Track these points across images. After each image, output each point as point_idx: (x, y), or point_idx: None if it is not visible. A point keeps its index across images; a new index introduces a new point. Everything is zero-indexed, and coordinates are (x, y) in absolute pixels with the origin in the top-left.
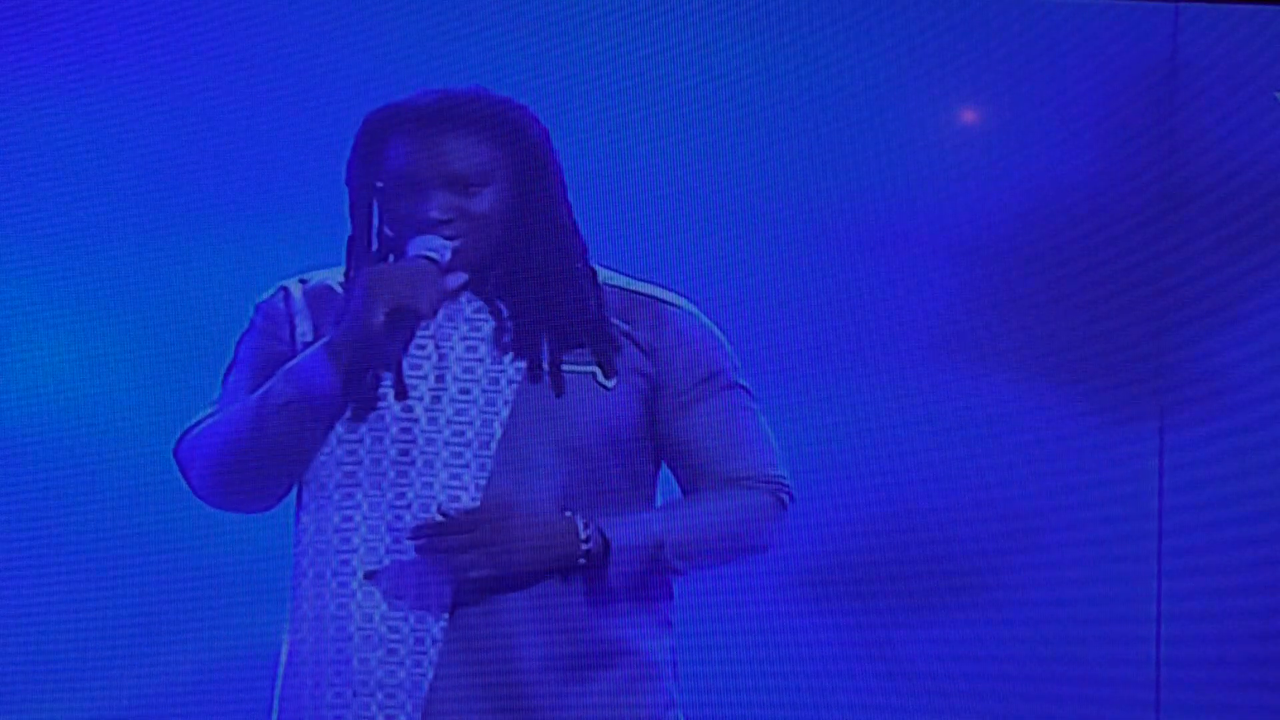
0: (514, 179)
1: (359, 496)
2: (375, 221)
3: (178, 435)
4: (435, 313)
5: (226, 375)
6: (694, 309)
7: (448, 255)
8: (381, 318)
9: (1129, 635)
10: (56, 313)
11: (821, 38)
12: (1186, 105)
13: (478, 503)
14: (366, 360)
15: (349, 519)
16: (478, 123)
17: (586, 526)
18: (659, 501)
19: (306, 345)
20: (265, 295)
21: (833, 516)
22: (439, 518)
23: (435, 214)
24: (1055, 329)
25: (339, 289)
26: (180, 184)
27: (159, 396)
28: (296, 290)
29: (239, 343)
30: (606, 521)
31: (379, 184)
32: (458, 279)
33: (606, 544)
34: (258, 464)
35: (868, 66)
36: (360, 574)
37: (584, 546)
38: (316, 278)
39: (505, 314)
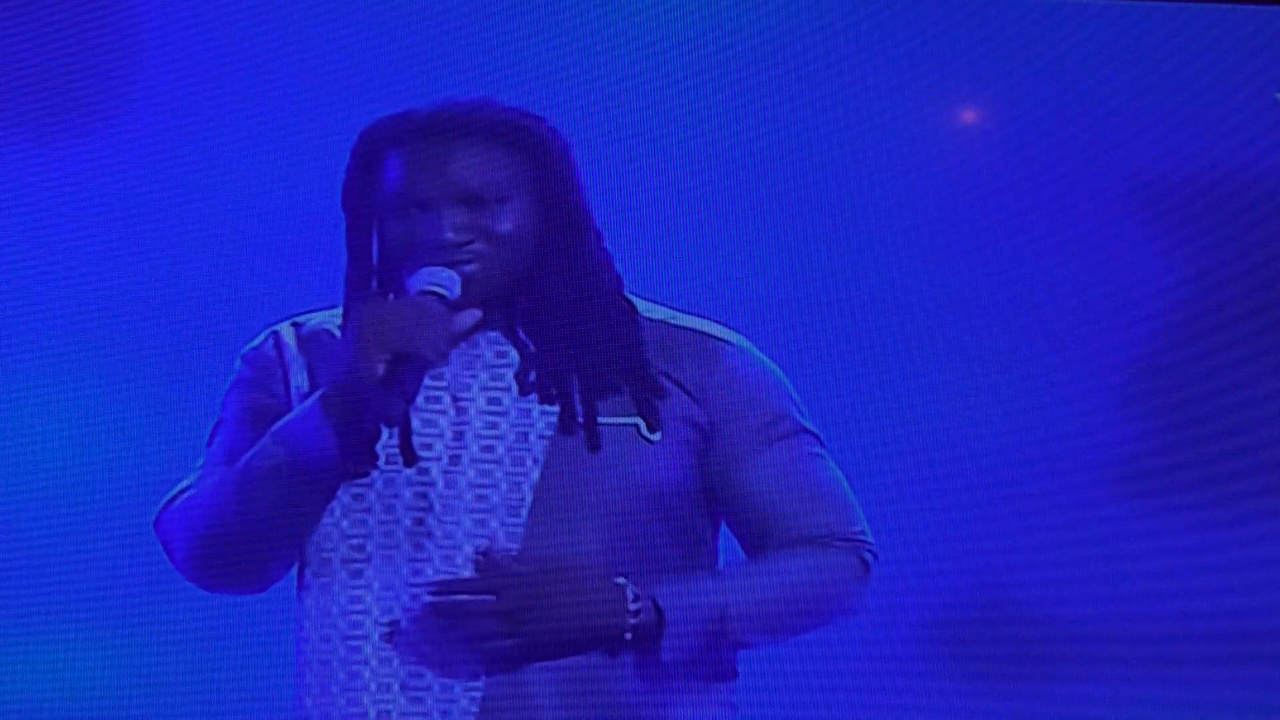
0: (538, 194)
1: (368, 574)
2: (375, 251)
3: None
4: (444, 358)
5: (211, 437)
6: (748, 344)
7: (457, 290)
8: (380, 368)
9: None
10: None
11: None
12: None
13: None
14: (367, 417)
15: (357, 600)
16: (490, 132)
17: (637, 597)
18: (720, 565)
19: (302, 395)
20: (253, 343)
21: (915, 583)
22: (464, 573)
23: (449, 235)
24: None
25: (337, 332)
26: (168, 204)
27: (166, 407)
28: (289, 335)
29: (225, 399)
30: (661, 589)
31: (379, 206)
32: (470, 317)
33: (660, 615)
34: (247, 540)
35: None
36: (373, 662)
37: (631, 620)
38: (313, 320)
39: (532, 357)
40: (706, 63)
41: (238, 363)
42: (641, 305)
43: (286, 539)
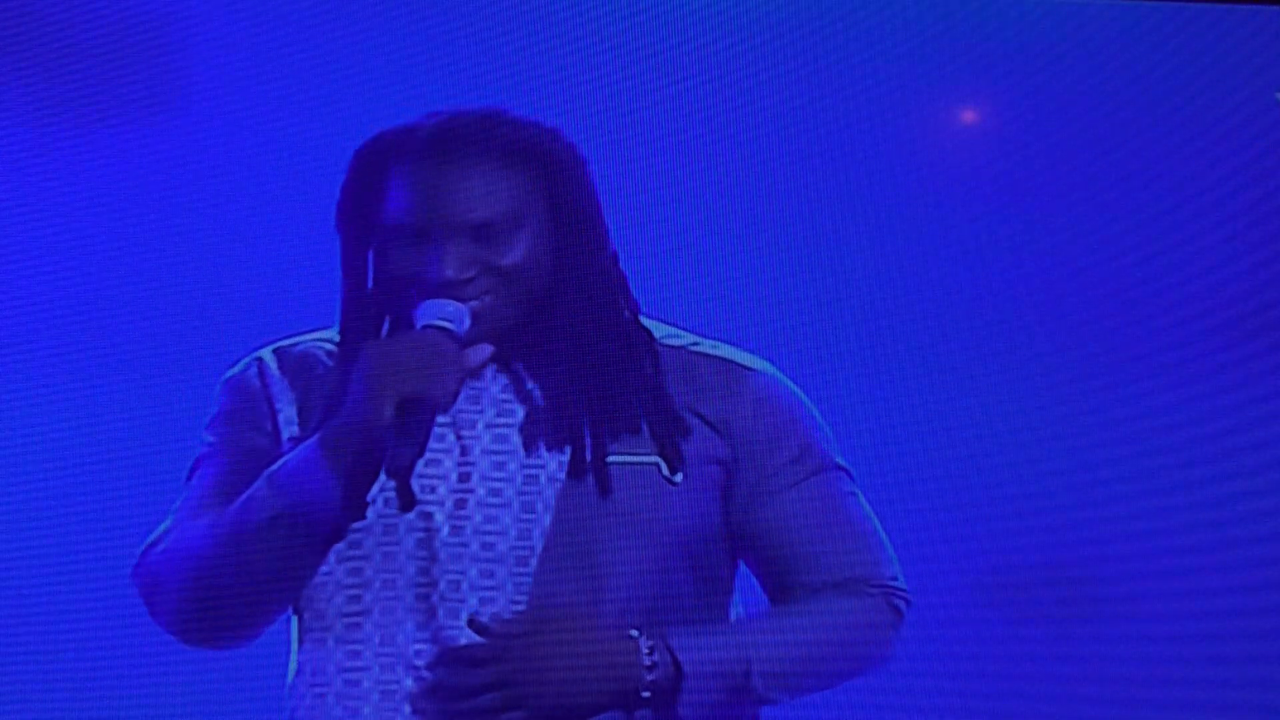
0: (551, 216)
1: (367, 628)
2: (371, 277)
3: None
4: (455, 400)
5: (191, 472)
6: (775, 371)
7: (466, 323)
8: (390, 411)
9: None
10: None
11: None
12: None
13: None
14: (373, 464)
15: (355, 655)
16: (500, 152)
17: (652, 649)
18: (734, 606)
19: (293, 437)
20: (234, 370)
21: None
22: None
23: (451, 273)
24: None
25: (327, 359)
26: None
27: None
28: (272, 362)
29: (205, 430)
30: (679, 641)
31: (376, 230)
32: (481, 354)
33: (679, 670)
34: (241, 593)
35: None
36: None
37: (648, 676)
38: (299, 344)
39: (542, 392)
40: (709, 64)
41: (218, 390)
42: (660, 331)
43: (282, 592)
